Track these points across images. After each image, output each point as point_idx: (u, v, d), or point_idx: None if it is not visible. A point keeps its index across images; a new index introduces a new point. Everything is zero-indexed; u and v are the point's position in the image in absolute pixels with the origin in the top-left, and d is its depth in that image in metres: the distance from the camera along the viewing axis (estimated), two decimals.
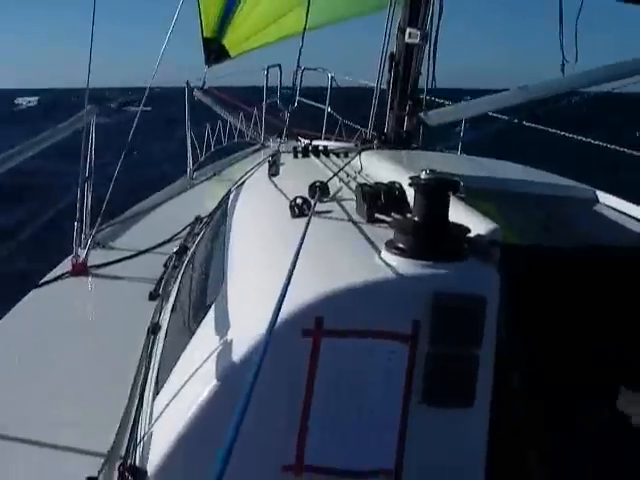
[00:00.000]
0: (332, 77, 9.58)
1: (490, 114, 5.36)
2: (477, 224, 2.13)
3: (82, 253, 5.15)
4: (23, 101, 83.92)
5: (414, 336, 1.96)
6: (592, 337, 2.67)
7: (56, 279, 4.96)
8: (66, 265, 5.11)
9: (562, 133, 6.06)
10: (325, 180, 3.02)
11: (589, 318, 2.66)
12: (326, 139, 7.61)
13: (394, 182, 2.66)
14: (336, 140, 7.39)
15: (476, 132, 5.81)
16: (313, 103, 9.65)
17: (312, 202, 2.73)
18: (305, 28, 6.54)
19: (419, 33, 4.90)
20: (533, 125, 5.97)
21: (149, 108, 7.43)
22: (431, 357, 1.97)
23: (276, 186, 3.48)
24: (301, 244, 2.01)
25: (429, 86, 5.15)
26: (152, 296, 4.51)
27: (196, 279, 3.64)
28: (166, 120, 22.73)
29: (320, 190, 2.89)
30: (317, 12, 8.11)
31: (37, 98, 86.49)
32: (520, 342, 2.34)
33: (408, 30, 4.94)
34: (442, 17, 4.96)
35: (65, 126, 4.89)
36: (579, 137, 5.88)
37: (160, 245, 5.63)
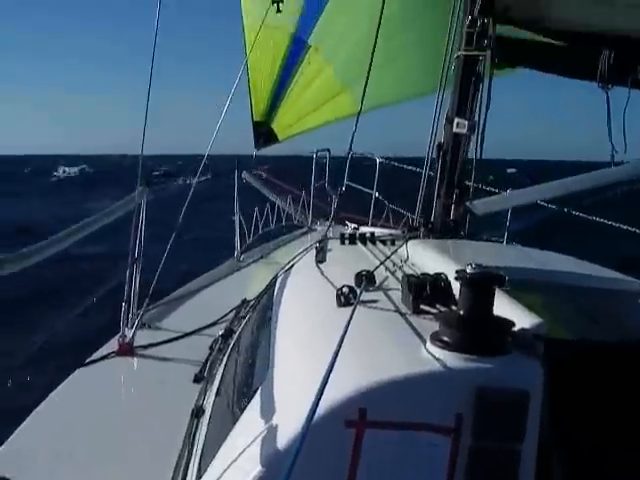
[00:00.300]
0: (380, 162, 9.68)
1: (538, 203, 5.36)
2: (522, 318, 2.12)
3: (129, 333, 5.19)
4: (63, 170, 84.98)
5: (457, 429, 1.94)
6: (638, 434, 2.61)
7: (102, 358, 4.99)
8: (112, 345, 5.14)
9: (609, 223, 6.03)
10: (371, 268, 3.03)
11: (636, 414, 2.61)
12: (373, 225, 7.66)
13: (440, 273, 2.66)
14: (382, 226, 7.43)
15: (523, 221, 5.80)
16: (362, 188, 9.73)
17: (358, 291, 2.75)
18: (360, 112, 6.67)
19: (467, 123, 4.95)
20: (580, 214, 5.96)
21: (207, 177, 7.35)
22: (473, 451, 1.96)
23: (323, 273, 3.50)
24: (345, 333, 2.02)
25: (475, 173, 5.18)
26: (197, 378, 4.52)
27: (241, 364, 3.64)
28: (211, 196, 22.78)
29: (366, 279, 2.91)
30: (358, 99, 8.29)
31: (78, 168, 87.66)
32: (564, 437, 2.30)
33: (456, 120, 4.99)
34: (489, 107, 5.01)
35: (117, 207, 5.00)
36: (625, 227, 5.84)
37: (206, 327, 5.65)
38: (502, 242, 6.68)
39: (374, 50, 6.17)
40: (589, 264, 4.11)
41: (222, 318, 5.80)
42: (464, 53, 4.98)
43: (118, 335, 5.16)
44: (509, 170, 63.71)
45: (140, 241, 5.45)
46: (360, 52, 6.27)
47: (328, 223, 7.78)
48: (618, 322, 3.04)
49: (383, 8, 6.10)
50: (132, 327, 5.27)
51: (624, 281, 3.66)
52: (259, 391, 2.56)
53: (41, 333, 4.31)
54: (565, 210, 5.75)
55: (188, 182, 6.47)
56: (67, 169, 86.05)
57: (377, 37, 6.12)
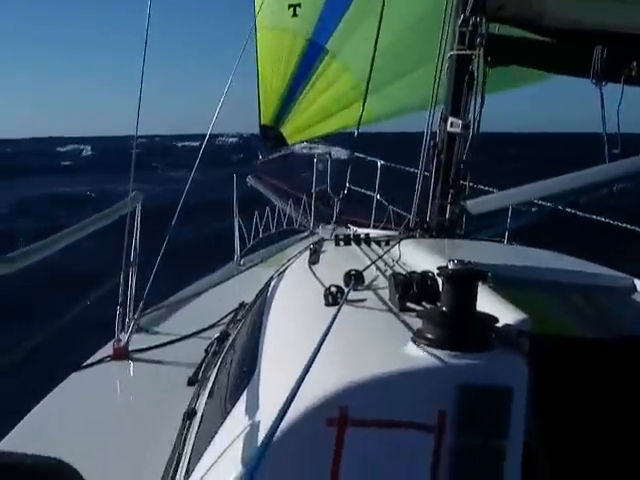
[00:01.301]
0: (382, 165, 9.68)
1: (535, 201, 5.34)
2: (506, 314, 2.11)
3: (124, 337, 5.19)
4: (75, 149, 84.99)
5: (440, 427, 1.93)
6: (625, 430, 2.60)
7: (97, 362, 4.99)
8: (108, 349, 5.14)
9: (607, 221, 6.01)
10: (362, 268, 3.03)
11: (622, 410, 2.59)
12: (375, 227, 7.65)
13: (427, 271, 2.65)
14: (384, 228, 7.41)
15: (521, 220, 5.77)
16: (363, 191, 9.73)
17: (345, 290, 2.74)
18: (359, 122, 6.70)
19: (461, 122, 4.94)
20: (578, 212, 5.94)
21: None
22: (457, 448, 1.94)
23: (314, 274, 3.49)
24: (327, 332, 2.01)
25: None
26: (191, 381, 4.51)
27: (233, 365, 3.64)
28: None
29: (354, 278, 2.90)
30: (375, 108, 8.30)
31: (89, 147, 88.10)
32: (549, 432, 2.29)
33: (450, 119, 4.98)
34: (483, 106, 4.99)
35: (110, 212, 4.99)
36: (623, 225, 5.82)
37: (203, 331, 5.63)
38: (502, 241, 6.67)
39: (373, 61, 6.22)
40: (583, 261, 4.08)
41: (219, 321, 5.79)
42: (457, 52, 4.97)
43: (113, 339, 5.15)
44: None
45: (135, 244, 5.45)
46: (378, 61, 6.26)
47: (329, 226, 7.77)
48: (605, 318, 3.02)
49: (381, 20, 6.15)
50: (127, 331, 5.27)
51: (616, 277, 3.64)
52: (245, 391, 2.55)
53: (34, 337, 4.29)
54: (561, 207, 5.73)
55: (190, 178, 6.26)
56: (81, 147, 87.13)
57: (375, 49, 6.17)
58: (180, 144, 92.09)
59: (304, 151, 11.85)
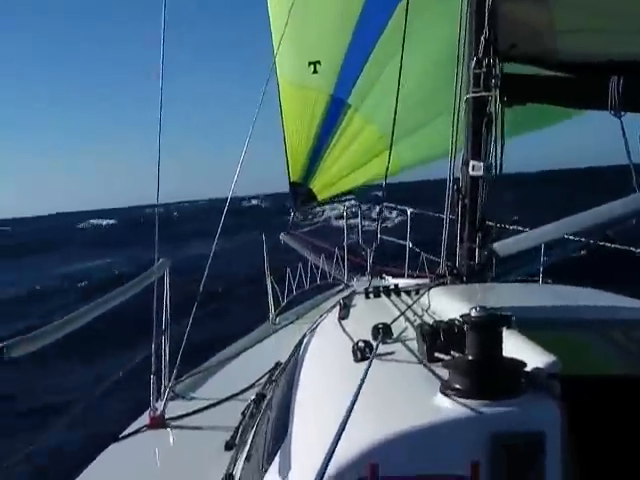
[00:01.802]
0: (411, 212, 9.66)
1: (565, 237, 5.28)
2: (534, 357, 2.06)
3: (160, 405, 5.16)
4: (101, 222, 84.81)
5: (474, 478, 1.87)
6: None
7: (134, 433, 4.97)
8: (144, 418, 5.12)
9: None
10: (391, 320, 3.00)
11: None
12: (410, 276, 7.60)
13: (454, 319, 2.60)
14: (418, 276, 7.36)
15: (551, 258, 5.71)
16: (395, 240, 9.71)
17: (374, 345, 2.71)
18: (387, 173, 6.71)
19: (482, 165, 4.91)
20: (608, 245, 5.85)
21: None
22: None
23: (344, 329, 3.46)
24: (359, 389, 1.99)
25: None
26: (228, 446, 4.46)
27: (268, 427, 3.60)
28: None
29: (383, 332, 2.87)
30: (401, 158, 8.31)
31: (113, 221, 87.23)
32: (587, 475, 2.21)
33: (471, 163, 4.95)
34: (504, 146, 4.96)
35: (138, 280, 5.00)
36: None
37: (239, 393, 5.58)
38: (536, 281, 6.59)
39: (396, 112, 6.22)
40: (618, 296, 3.99)
41: (255, 383, 5.74)
42: (472, 95, 4.96)
43: (149, 408, 5.13)
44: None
45: (166, 311, 5.44)
46: (401, 111, 6.28)
47: (364, 278, 7.73)
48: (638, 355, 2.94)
49: (401, 71, 6.18)
50: (163, 399, 5.24)
51: None
52: (279, 452, 2.53)
53: (67, 411, 4.29)
54: (592, 242, 5.66)
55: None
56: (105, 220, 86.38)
57: (397, 100, 6.18)
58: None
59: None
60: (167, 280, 5.46)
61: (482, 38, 4.87)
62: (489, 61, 4.84)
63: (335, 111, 10.08)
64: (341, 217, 12.26)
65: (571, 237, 5.39)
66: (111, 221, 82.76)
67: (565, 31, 4.92)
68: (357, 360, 2.72)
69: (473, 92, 4.95)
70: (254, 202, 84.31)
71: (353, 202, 12.29)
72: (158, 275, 5.27)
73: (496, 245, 4.99)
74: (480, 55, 4.87)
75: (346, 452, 1.86)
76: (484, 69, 4.87)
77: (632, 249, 5.93)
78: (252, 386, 5.68)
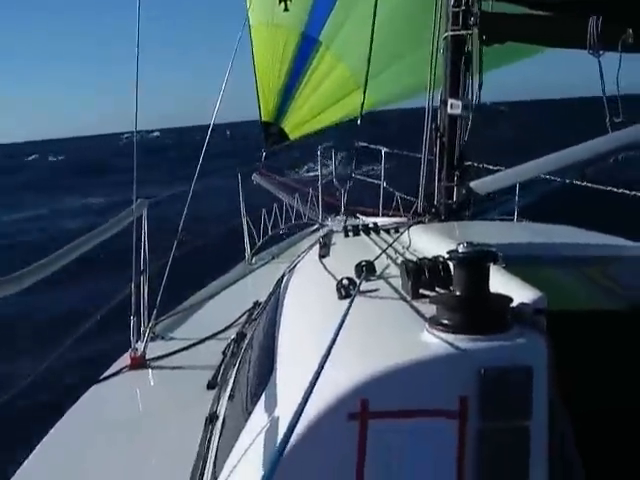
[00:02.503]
0: (385, 152, 9.65)
1: (541, 177, 5.31)
2: (521, 293, 2.08)
3: (140, 346, 5.18)
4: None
5: (462, 412, 1.91)
6: None
7: (115, 373, 4.99)
8: (125, 359, 5.13)
9: (620, 191, 5.95)
10: (373, 258, 3.01)
11: None
12: (384, 215, 7.62)
13: (438, 256, 2.62)
14: (393, 215, 7.39)
15: (528, 197, 5.75)
16: (368, 179, 9.70)
17: (358, 282, 2.71)
18: (362, 113, 6.68)
19: (460, 103, 4.91)
20: (585, 184, 5.89)
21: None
22: (481, 432, 1.92)
23: (325, 267, 3.46)
24: (341, 325, 2.00)
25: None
26: (210, 385, 4.50)
27: (251, 366, 3.62)
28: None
29: (366, 269, 2.88)
30: (373, 94, 8.26)
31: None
32: (573, 407, 2.26)
33: (450, 101, 4.95)
34: (482, 86, 4.96)
35: (116, 221, 4.98)
36: (632, 193, 5.75)
37: (219, 333, 5.61)
38: (512, 220, 6.64)
39: (371, 49, 6.18)
40: (596, 233, 4.05)
41: (234, 322, 5.77)
42: (451, 33, 4.94)
43: (130, 349, 5.14)
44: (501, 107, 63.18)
45: (145, 253, 5.43)
46: (374, 47, 6.23)
47: (339, 217, 7.74)
48: (622, 289, 2.99)
49: (376, 6, 6.11)
50: (143, 340, 5.26)
51: (630, 247, 3.61)
52: (264, 392, 2.54)
53: (50, 352, 4.30)
54: (568, 181, 5.69)
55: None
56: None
57: (373, 35, 6.13)
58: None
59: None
60: (145, 220, 5.45)
61: None
62: None
63: (306, 49, 10.02)
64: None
65: (548, 176, 5.41)
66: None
67: None
68: (341, 297, 2.71)
69: (452, 30, 4.94)
70: (228, 133, 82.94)
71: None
72: (137, 215, 5.25)
73: (473, 184, 5.02)
74: None
75: (335, 388, 1.87)
76: (463, 7, 4.85)
77: (608, 188, 5.97)
78: (231, 325, 5.71)
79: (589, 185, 5.95)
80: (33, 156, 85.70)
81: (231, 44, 7.01)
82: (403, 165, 8.98)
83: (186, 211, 5.81)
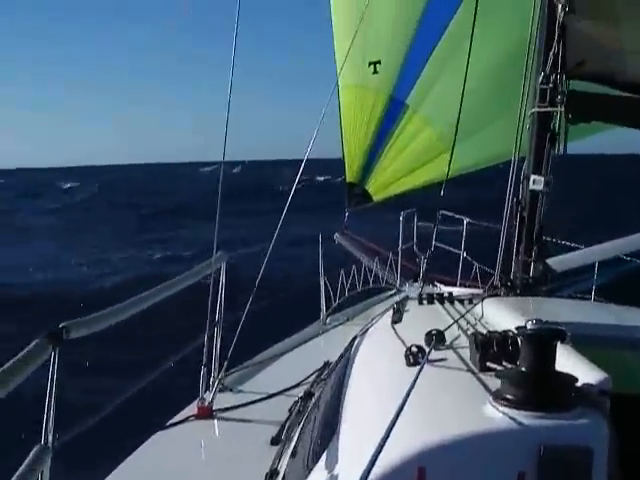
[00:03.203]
0: (467, 222, 9.62)
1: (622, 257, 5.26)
2: (586, 373, 2.08)
3: (208, 396, 5.22)
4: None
5: None
6: None
7: (181, 421, 5.04)
8: (192, 408, 5.18)
9: None
10: (444, 328, 3.02)
11: None
12: (462, 285, 7.57)
13: (508, 331, 2.63)
14: (470, 286, 7.34)
15: (606, 276, 5.68)
16: (450, 248, 9.67)
17: (427, 350, 2.73)
18: (448, 176, 6.71)
19: (543, 179, 4.91)
20: None
21: None
22: None
23: (396, 333, 3.48)
24: (409, 393, 2.02)
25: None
26: (274, 441, 4.51)
27: (315, 425, 3.64)
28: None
29: (436, 338, 2.90)
30: (458, 160, 8.27)
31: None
32: None
33: (532, 177, 4.95)
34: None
35: (194, 272, 5.07)
36: None
37: (287, 390, 5.62)
38: (588, 299, 6.54)
39: (460, 112, 6.23)
40: None
41: (304, 381, 5.77)
42: (538, 110, 4.96)
43: (198, 399, 5.20)
44: None
45: (221, 304, 5.51)
46: (462, 114, 6.29)
47: (416, 284, 7.72)
48: None
49: (467, 69, 6.18)
50: (212, 390, 5.31)
51: None
52: (326, 452, 2.56)
53: (119, 396, 4.36)
54: None
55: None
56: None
57: (462, 101, 6.19)
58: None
59: None
60: (223, 273, 5.54)
61: (551, 53, 4.87)
62: (556, 77, 4.85)
63: (393, 112, 10.04)
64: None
65: (626, 257, 5.35)
66: None
67: (634, 51, 4.89)
68: (409, 364, 2.74)
69: (539, 107, 4.96)
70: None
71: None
72: (215, 267, 5.34)
73: (551, 260, 4.99)
74: (548, 70, 4.87)
75: (395, 454, 1.89)
76: (551, 85, 4.87)
77: None
78: (300, 384, 5.71)
79: None
80: None
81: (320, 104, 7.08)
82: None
83: (264, 266, 5.88)
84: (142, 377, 4.79)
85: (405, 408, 1.93)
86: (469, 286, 7.19)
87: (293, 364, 6.66)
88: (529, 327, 2.03)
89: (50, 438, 2.80)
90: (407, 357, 2.79)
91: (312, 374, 5.85)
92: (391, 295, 9.03)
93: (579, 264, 4.96)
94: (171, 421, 5.05)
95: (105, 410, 4.05)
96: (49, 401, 2.81)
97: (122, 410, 4.20)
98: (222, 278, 5.51)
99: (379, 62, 9.71)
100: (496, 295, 4.59)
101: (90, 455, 6.81)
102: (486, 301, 3.89)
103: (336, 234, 10.10)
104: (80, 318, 3.24)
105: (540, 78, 4.92)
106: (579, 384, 2.04)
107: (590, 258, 5.15)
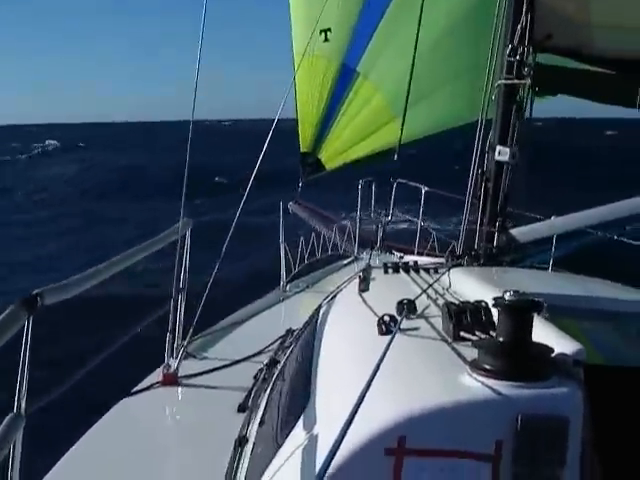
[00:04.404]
0: (426, 191, 9.66)
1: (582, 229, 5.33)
2: (561, 344, 2.12)
3: (173, 363, 5.21)
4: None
5: (497, 456, 1.95)
6: None
7: (146, 389, 5.02)
8: (157, 375, 5.17)
9: None
10: (413, 297, 3.04)
11: None
12: (419, 253, 7.63)
13: (480, 301, 2.67)
14: (428, 254, 7.39)
15: (567, 247, 5.76)
16: (407, 217, 9.72)
17: (399, 319, 2.76)
18: (400, 142, 6.71)
19: (509, 151, 4.95)
20: (626, 240, 5.89)
21: None
22: (514, 478, 1.95)
23: (365, 302, 3.50)
24: (381, 361, 2.04)
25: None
26: (241, 408, 4.52)
27: (284, 393, 3.65)
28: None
29: (407, 307, 2.92)
30: (413, 125, 8.27)
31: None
32: (605, 462, 2.28)
33: (498, 148, 4.99)
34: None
35: (159, 239, 5.03)
36: None
37: (251, 357, 5.62)
38: (547, 269, 6.63)
39: (410, 79, 6.24)
40: (631, 289, 4.07)
41: (267, 348, 5.77)
42: (504, 82, 5.00)
43: (162, 365, 5.19)
44: (608, 132, 61.78)
45: (185, 271, 5.49)
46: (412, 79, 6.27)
47: (374, 252, 7.75)
48: None
49: (418, 35, 6.19)
50: (177, 357, 5.29)
51: None
52: (300, 421, 2.57)
53: (84, 363, 4.32)
54: (609, 236, 5.70)
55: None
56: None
57: (413, 66, 6.19)
58: None
59: None
60: (188, 239, 5.52)
61: (518, 26, 4.90)
62: (523, 50, 4.88)
63: (344, 79, 10.05)
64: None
65: (589, 229, 5.43)
66: None
67: (602, 26, 4.94)
68: (381, 333, 2.75)
69: (505, 79, 4.99)
70: None
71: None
72: (181, 234, 5.31)
73: (515, 231, 5.06)
74: (515, 43, 4.90)
75: (374, 423, 1.92)
76: (518, 57, 4.91)
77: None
78: (263, 350, 5.73)
79: (628, 241, 5.95)
80: None
81: None
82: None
83: (230, 234, 5.84)
84: (107, 345, 4.75)
85: (380, 377, 1.95)
86: (427, 254, 7.25)
87: (255, 331, 6.66)
88: (507, 298, 2.05)
89: (23, 407, 2.78)
90: (379, 326, 2.80)
91: (275, 341, 5.87)
92: (349, 262, 9.08)
93: (542, 235, 5.03)
94: (136, 388, 5.02)
95: (74, 377, 4.00)
96: (22, 370, 2.79)
97: (87, 378, 4.16)
98: (187, 244, 5.49)
99: (329, 30, 9.67)
100: (460, 265, 4.63)
101: (55, 423, 6.75)
102: (452, 270, 3.93)
103: (290, 203, 10.08)
104: (54, 284, 3.22)
105: (507, 50, 4.96)
106: (554, 354, 2.08)
107: (553, 230, 5.21)
